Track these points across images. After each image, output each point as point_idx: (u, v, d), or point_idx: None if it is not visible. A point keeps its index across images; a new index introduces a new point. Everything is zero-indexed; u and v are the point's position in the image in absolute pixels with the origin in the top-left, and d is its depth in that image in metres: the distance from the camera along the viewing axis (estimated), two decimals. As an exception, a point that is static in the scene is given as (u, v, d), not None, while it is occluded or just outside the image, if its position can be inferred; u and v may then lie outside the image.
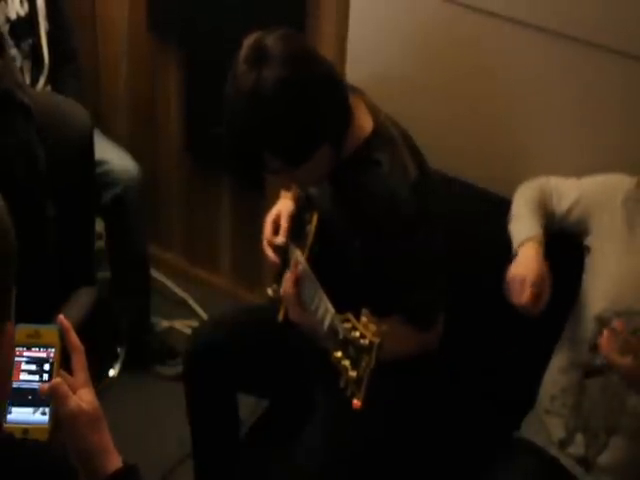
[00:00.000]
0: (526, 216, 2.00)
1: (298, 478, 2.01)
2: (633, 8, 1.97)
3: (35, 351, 1.27)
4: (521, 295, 1.85)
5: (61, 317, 1.29)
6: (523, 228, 1.98)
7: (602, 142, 2.11)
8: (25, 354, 1.26)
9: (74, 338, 1.28)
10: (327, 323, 1.70)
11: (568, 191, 2.02)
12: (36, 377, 1.26)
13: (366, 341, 1.53)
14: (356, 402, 1.54)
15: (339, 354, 1.57)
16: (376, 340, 1.52)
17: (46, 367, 1.27)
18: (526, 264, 1.89)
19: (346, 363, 1.56)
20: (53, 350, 1.27)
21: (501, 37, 2.16)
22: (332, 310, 1.70)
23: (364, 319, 1.55)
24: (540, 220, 1.99)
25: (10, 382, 1.19)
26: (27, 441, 1.22)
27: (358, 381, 1.54)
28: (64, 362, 1.28)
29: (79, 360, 1.27)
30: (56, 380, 1.24)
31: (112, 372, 2.86)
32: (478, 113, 2.28)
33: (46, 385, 1.24)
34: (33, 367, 1.26)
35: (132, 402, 2.77)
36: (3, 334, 1.05)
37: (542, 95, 2.16)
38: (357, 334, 1.55)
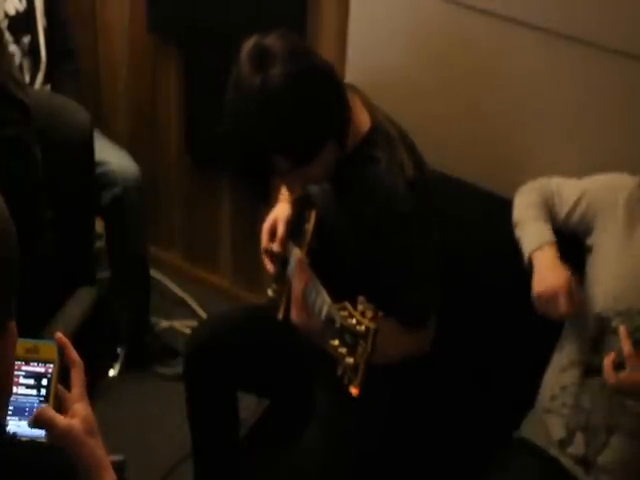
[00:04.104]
0: (532, 220, 1.99)
1: (298, 478, 2.01)
2: (633, 8, 1.97)
3: (33, 366, 1.27)
4: (558, 309, 1.85)
5: (59, 334, 1.29)
6: (532, 234, 1.97)
7: (603, 142, 2.11)
8: (23, 368, 1.26)
9: (73, 353, 1.28)
10: (324, 313, 1.70)
11: (569, 192, 2.02)
12: (34, 392, 1.26)
13: (362, 327, 1.54)
14: (353, 389, 1.54)
15: (336, 342, 1.58)
16: (372, 326, 1.53)
17: (44, 382, 1.27)
18: (549, 276, 1.87)
19: (343, 351, 1.56)
20: (51, 366, 1.27)
21: (502, 37, 2.16)
22: (328, 300, 1.70)
23: (360, 307, 1.56)
24: (546, 220, 1.98)
25: (12, 381, 1.19)
26: (28, 441, 1.22)
27: (355, 368, 1.54)
28: (62, 377, 1.28)
29: (77, 375, 1.27)
30: (38, 410, 1.23)
31: (112, 372, 2.86)
32: (478, 113, 2.28)
33: (30, 418, 1.23)
34: (31, 381, 1.26)
35: (132, 402, 2.77)
36: (6, 333, 1.06)
37: (543, 95, 2.16)
38: (353, 321, 1.55)
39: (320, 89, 1.76)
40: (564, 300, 1.84)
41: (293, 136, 1.75)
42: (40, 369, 1.27)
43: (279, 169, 1.79)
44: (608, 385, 1.79)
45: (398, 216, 1.84)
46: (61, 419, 1.23)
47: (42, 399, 1.26)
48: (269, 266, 2.08)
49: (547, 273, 1.88)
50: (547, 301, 1.86)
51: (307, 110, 1.74)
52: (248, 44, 1.76)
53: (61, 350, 1.28)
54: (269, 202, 1.96)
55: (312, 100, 1.74)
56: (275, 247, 2.05)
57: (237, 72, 1.75)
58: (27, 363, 1.26)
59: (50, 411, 1.23)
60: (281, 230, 2.06)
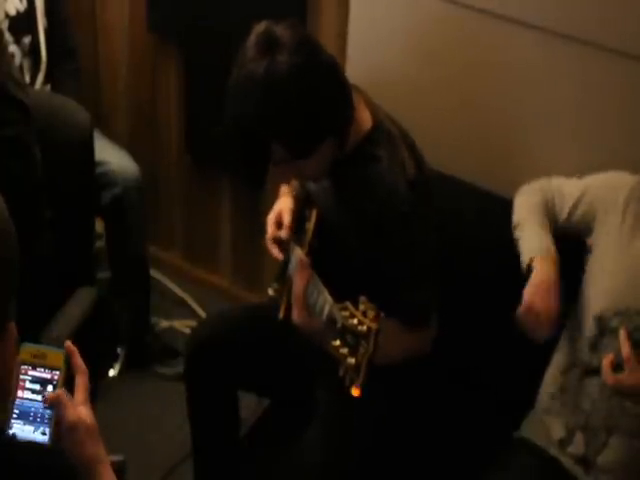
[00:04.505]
0: (533, 224, 1.98)
1: (298, 478, 2.01)
2: (632, 7, 1.97)
3: (40, 371, 1.28)
4: (537, 330, 1.84)
5: (68, 342, 1.31)
6: (532, 239, 1.95)
7: (601, 141, 2.11)
8: (30, 373, 1.28)
9: (79, 360, 1.31)
10: (326, 313, 1.70)
11: (570, 191, 2.01)
12: (39, 397, 1.27)
13: (364, 327, 1.53)
14: (355, 391, 1.54)
15: (337, 343, 1.58)
16: (374, 326, 1.52)
17: (49, 388, 1.28)
18: (543, 295, 1.85)
19: (344, 351, 1.56)
20: (57, 373, 1.29)
21: (501, 37, 2.16)
22: (330, 300, 1.70)
23: (362, 307, 1.56)
24: (547, 227, 1.98)
25: (13, 381, 1.20)
26: (28, 442, 1.23)
27: (356, 369, 1.54)
28: (67, 384, 1.29)
29: (82, 381, 1.29)
30: (59, 391, 1.26)
31: (112, 372, 2.86)
32: (477, 112, 2.28)
33: (50, 395, 1.25)
34: (37, 387, 1.27)
35: (132, 402, 2.77)
36: (6, 334, 1.06)
37: (541, 94, 2.16)
38: (355, 321, 1.55)
39: (324, 84, 1.75)
40: (545, 326, 1.84)
41: (292, 126, 1.74)
42: (46, 375, 1.28)
43: (275, 158, 1.79)
44: (607, 386, 1.79)
45: (399, 214, 1.84)
46: (74, 410, 1.24)
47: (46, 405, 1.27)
48: (277, 254, 2.07)
49: (541, 291, 1.85)
50: (529, 319, 1.85)
51: (309, 102, 1.73)
52: (258, 28, 1.76)
53: (68, 358, 1.29)
54: (263, 188, 1.94)
55: (315, 93, 1.73)
56: (283, 234, 2.04)
57: (243, 54, 1.74)
58: (34, 368, 1.27)
59: (66, 398, 1.25)
60: (287, 218, 2.05)
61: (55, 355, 1.28)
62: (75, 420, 1.24)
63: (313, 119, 1.75)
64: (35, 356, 1.27)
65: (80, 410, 1.26)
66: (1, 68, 2.02)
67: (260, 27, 1.76)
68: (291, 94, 1.71)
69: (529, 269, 1.90)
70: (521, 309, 1.85)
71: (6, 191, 1.12)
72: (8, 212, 1.06)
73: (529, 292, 1.86)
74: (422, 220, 1.89)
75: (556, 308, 1.85)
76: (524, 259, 1.94)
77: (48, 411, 1.25)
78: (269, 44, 1.72)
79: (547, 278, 1.88)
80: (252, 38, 1.75)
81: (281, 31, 1.74)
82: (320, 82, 1.75)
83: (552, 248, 1.94)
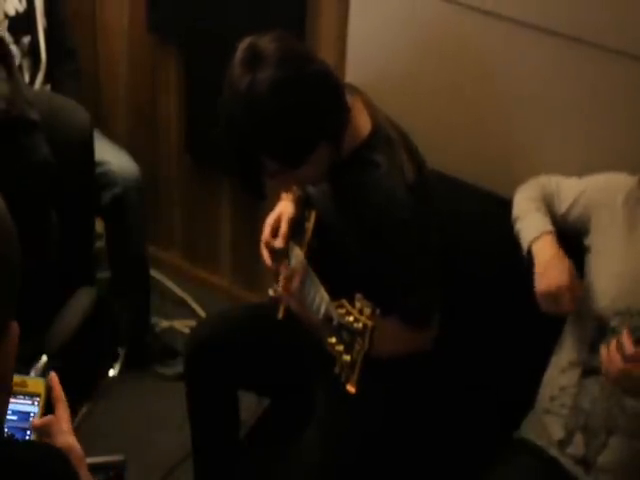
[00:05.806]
0: (532, 213, 1.99)
1: (297, 478, 2.02)
2: (636, 9, 1.97)
3: (20, 398, 1.28)
4: (560, 307, 1.85)
5: (52, 374, 1.31)
6: (531, 225, 1.96)
7: (603, 142, 2.11)
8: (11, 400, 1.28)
9: (60, 392, 1.30)
10: (322, 311, 1.71)
11: (568, 191, 2.02)
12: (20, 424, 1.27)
13: (359, 325, 1.55)
14: (350, 387, 1.55)
15: (333, 340, 1.59)
16: (369, 323, 1.54)
17: (31, 416, 1.28)
18: (550, 272, 1.86)
19: (340, 348, 1.57)
20: (38, 399, 1.30)
21: (502, 37, 2.16)
22: (327, 298, 1.71)
23: (358, 304, 1.57)
24: (546, 213, 1.98)
25: (12, 380, 1.20)
26: (26, 441, 1.23)
27: (352, 365, 1.55)
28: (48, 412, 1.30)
29: (64, 412, 1.29)
30: (49, 417, 1.26)
31: (112, 372, 2.86)
32: (479, 113, 2.28)
33: (38, 420, 1.25)
34: (14, 417, 1.28)
35: (132, 402, 2.77)
36: (7, 334, 1.06)
37: (543, 95, 2.16)
38: (351, 319, 1.57)
39: (311, 95, 1.75)
40: (567, 298, 1.84)
41: (277, 140, 1.76)
42: (27, 402, 1.28)
43: (269, 170, 1.80)
44: (606, 386, 1.78)
45: (398, 221, 1.84)
46: (62, 437, 1.24)
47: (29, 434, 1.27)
48: (267, 260, 2.08)
49: (548, 269, 1.87)
50: (549, 299, 1.86)
51: (292, 117, 1.73)
52: (242, 45, 1.77)
53: (49, 384, 1.29)
54: (264, 199, 1.96)
55: (298, 107, 1.73)
56: (277, 243, 2.05)
57: (230, 72, 1.76)
58: (15, 397, 1.27)
59: (55, 425, 1.25)
60: (284, 228, 2.06)
61: (35, 382, 1.30)
62: (70, 444, 1.24)
63: (299, 131, 1.76)
64: (16, 384, 1.27)
65: (68, 438, 1.26)
66: (16, 100, 2.02)
67: (244, 43, 1.77)
68: (271, 112, 1.72)
69: (529, 257, 1.91)
70: (537, 298, 1.86)
71: (12, 193, 1.13)
72: (11, 214, 1.06)
73: (537, 279, 1.87)
74: (421, 225, 1.89)
75: (569, 281, 1.84)
76: (524, 248, 1.94)
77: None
78: (252, 60, 1.72)
79: (549, 258, 1.88)
80: (238, 54, 1.76)
81: (265, 45, 1.74)
82: (306, 94, 1.74)
83: (548, 226, 1.94)
